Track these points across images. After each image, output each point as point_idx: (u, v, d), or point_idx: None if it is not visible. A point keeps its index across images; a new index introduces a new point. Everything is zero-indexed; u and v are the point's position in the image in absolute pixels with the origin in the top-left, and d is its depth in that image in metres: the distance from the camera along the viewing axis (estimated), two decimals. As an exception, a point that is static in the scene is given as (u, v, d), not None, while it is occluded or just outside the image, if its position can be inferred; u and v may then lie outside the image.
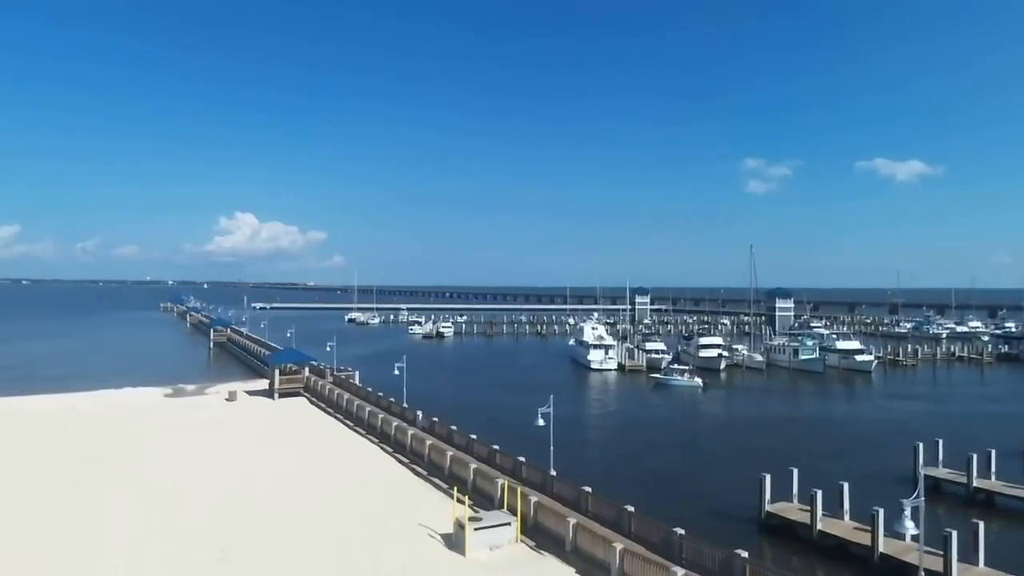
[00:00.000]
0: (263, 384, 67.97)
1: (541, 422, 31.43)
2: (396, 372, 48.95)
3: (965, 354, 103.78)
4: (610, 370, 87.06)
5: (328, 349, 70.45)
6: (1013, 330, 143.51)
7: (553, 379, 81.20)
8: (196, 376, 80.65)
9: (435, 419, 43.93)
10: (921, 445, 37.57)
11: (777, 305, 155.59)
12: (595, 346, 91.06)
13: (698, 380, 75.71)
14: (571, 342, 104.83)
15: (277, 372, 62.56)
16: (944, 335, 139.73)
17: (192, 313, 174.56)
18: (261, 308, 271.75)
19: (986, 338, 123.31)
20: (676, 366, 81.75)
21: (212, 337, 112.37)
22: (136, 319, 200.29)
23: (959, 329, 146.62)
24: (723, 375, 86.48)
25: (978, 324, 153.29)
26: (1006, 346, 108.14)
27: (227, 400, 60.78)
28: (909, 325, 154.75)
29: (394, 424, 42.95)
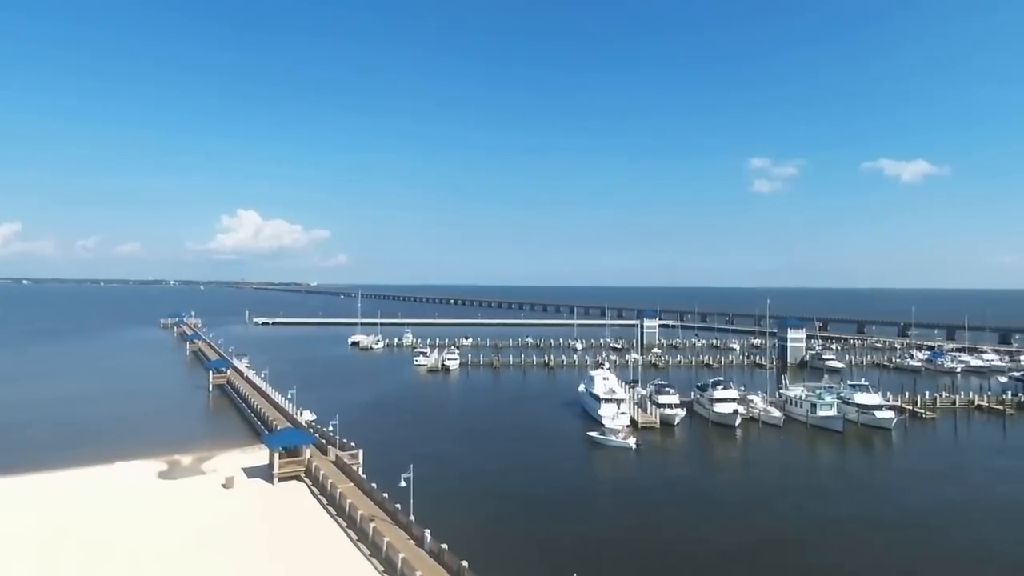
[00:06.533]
0: (262, 456, 65.07)
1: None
2: (403, 484, 45.88)
3: (985, 402, 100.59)
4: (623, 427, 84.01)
5: (332, 427, 67.52)
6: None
7: (564, 447, 78.06)
8: (194, 434, 78.35)
9: (444, 546, 41.04)
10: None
11: (789, 336, 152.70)
12: (607, 400, 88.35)
13: (632, 441, 74.29)
14: (581, 388, 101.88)
15: (276, 456, 59.66)
16: (959, 369, 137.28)
17: (192, 341, 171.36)
18: (263, 324, 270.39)
19: (1003, 378, 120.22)
20: (610, 425, 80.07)
21: (211, 380, 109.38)
22: (135, 342, 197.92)
23: (973, 362, 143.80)
24: (739, 431, 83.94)
25: (992, 357, 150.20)
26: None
27: (223, 487, 57.93)
28: (923, 356, 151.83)
29: (400, 556, 39.99)
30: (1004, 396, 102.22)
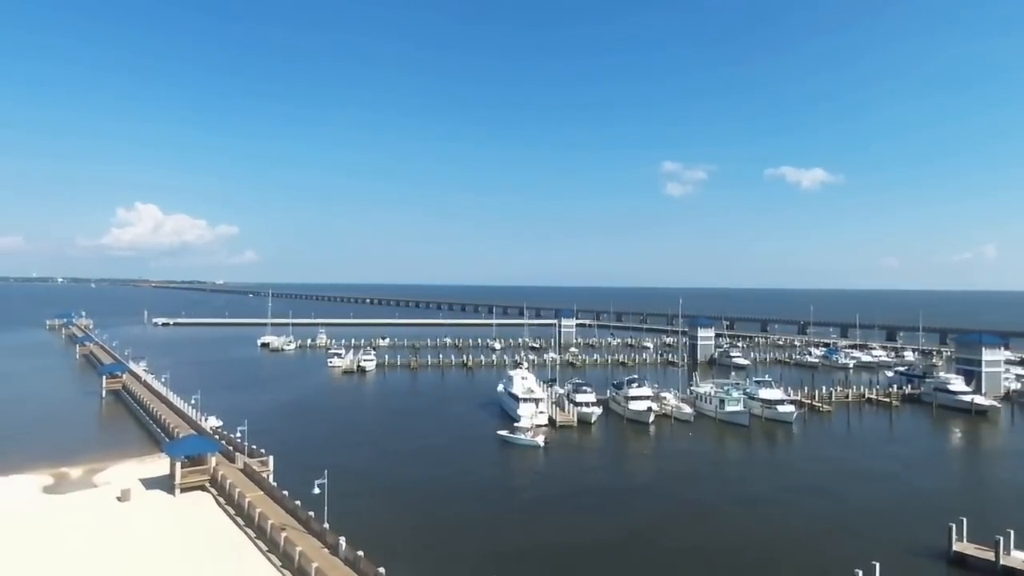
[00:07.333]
0: (163, 466, 60.89)
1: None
2: (316, 491, 44.06)
3: (874, 396, 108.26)
4: (541, 426, 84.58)
5: (240, 433, 64.20)
6: (911, 359, 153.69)
7: (482, 448, 77.50)
8: (85, 444, 72.35)
9: (360, 553, 39.67)
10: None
11: (699, 335, 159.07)
12: (525, 400, 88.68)
13: (540, 440, 76.17)
14: (500, 388, 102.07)
15: (178, 465, 55.94)
16: (851, 365, 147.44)
17: (83, 344, 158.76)
18: (164, 324, 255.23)
19: (890, 373, 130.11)
20: (519, 424, 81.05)
21: (104, 385, 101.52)
22: (16, 345, 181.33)
23: (864, 358, 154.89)
24: (652, 428, 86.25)
25: (880, 353, 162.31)
26: (908, 385, 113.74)
27: (119, 500, 53.78)
28: (819, 353, 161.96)
29: (314, 565, 38.33)
30: (891, 389, 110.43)
